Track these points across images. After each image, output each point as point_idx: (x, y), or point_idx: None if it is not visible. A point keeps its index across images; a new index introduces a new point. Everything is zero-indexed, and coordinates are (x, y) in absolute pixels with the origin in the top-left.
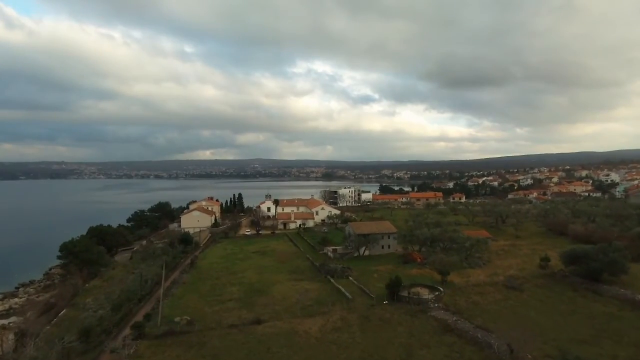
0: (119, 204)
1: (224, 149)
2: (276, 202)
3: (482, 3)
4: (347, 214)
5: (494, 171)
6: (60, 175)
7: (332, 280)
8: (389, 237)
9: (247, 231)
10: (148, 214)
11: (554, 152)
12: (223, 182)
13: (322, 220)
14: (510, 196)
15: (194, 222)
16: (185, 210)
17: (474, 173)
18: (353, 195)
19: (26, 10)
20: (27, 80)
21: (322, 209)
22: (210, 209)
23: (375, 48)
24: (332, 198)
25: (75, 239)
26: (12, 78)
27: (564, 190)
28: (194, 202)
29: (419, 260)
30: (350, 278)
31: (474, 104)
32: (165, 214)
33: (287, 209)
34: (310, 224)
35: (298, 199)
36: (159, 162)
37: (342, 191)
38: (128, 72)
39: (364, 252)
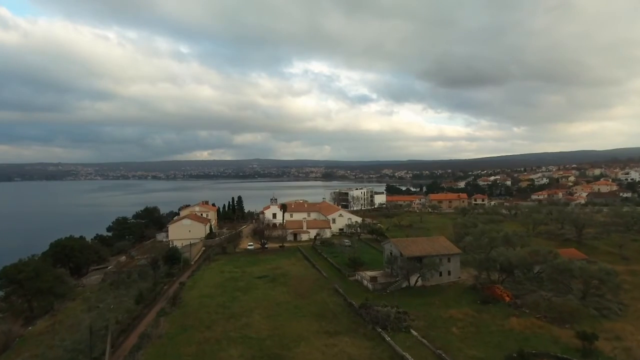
0: (110, 206)
1: (222, 150)
2: (283, 207)
3: (478, 2)
4: (368, 220)
5: (498, 170)
6: (56, 177)
7: (386, 338)
8: (448, 260)
9: (250, 245)
10: (132, 221)
11: (553, 151)
12: (221, 183)
13: (339, 229)
14: (533, 197)
15: (184, 232)
16: (175, 218)
17: (478, 172)
18: (366, 197)
19: (20, 10)
20: (22, 81)
21: (340, 215)
22: (204, 215)
23: (372, 48)
24: (343, 201)
25: (23, 261)
26: (7, 79)
27: (589, 190)
28: (187, 206)
29: (507, 298)
30: (414, 332)
31: (471, 103)
32: (153, 220)
33: (297, 216)
34: (326, 234)
35: (308, 204)
36: (156, 163)
37: (354, 193)
38: (124, 73)
39: (417, 281)
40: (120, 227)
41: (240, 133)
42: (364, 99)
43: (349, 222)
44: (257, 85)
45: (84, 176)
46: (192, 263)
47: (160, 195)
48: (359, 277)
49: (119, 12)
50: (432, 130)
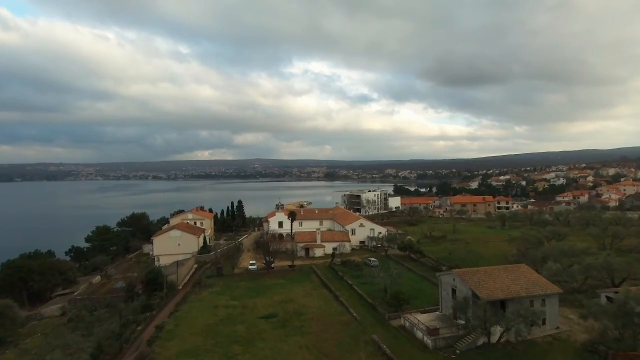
0: (104, 208)
1: (223, 150)
2: (291, 215)
3: (478, 2)
4: (392, 229)
5: (505, 169)
6: (57, 177)
7: None
8: (543, 303)
9: (252, 264)
10: (117, 229)
11: (556, 150)
12: (222, 183)
13: (360, 242)
14: (558, 198)
15: (172, 246)
16: (165, 227)
17: (484, 171)
18: (379, 200)
19: (20, 11)
20: (22, 81)
21: (361, 225)
22: (198, 224)
23: (372, 47)
24: (355, 204)
25: None
26: (7, 79)
27: (614, 191)
28: (179, 212)
29: None
30: None
31: (473, 103)
32: (140, 229)
33: (308, 225)
34: (345, 248)
35: (320, 210)
36: (157, 163)
37: (367, 196)
38: (124, 73)
39: (501, 337)
40: (100, 237)
41: (241, 133)
42: (364, 99)
43: (372, 234)
44: (257, 85)
45: (85, 176)
46: (180, 287)
47: (160, 196)
48: (407, 324)
49: (118, 12)
50: (433, 129)
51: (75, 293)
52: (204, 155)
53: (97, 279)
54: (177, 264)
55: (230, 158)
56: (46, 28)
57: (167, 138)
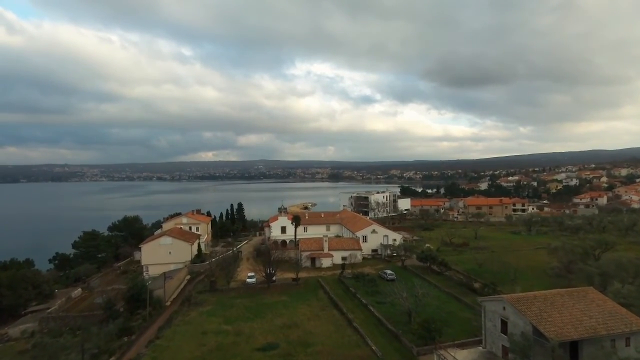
0: (105, 210)
1: (227, 151)
2: (295, 220)
3: (480, 3)
4: (405, 235)
5: (513, 170)
6: (62, 178)
7: None
8: (626, 342)
9: (250, 276)
10: (107, 233)
11: (562, 151)
12: (226, 184)
13: (372, 250)
14: (575, 200)
15: (162, 255)
16: (156, 233)
17: (491, 172)
18: (389, 202)
19: (25, 14)
20: (28, 83)
21: (373, 232)
22: (193, 229)
23: (375, 49)
24: (362, 206)
25: None
26: (13, 81)
27: (633, 192)
28: (174, 216)
29: None
30: None
31: (476, 103)
32: (132, 234)
33: (313, 230)
34: (357, 257)
35: (326, 213)
36: (161, 164)
37: (376, 197)
38: (127, 75)
39: None
40: (87, 244)
41: (245, 134)
42: (367, 100)
43: (386, 241)
44: (260, 86)
45: (90, 177)
46: (168, 304)
47: (162, 198)
48: None
49: (121, 15)
50: (437, 130)
51: (49, 310)
52: (207, 156)
53: (77, 291)
54: (165, 276)
55: (234, 159)
56: (51, 31)
57: (171, 139)
